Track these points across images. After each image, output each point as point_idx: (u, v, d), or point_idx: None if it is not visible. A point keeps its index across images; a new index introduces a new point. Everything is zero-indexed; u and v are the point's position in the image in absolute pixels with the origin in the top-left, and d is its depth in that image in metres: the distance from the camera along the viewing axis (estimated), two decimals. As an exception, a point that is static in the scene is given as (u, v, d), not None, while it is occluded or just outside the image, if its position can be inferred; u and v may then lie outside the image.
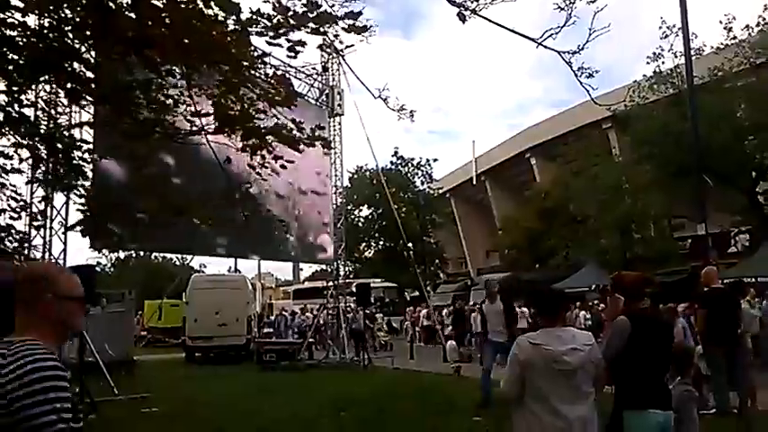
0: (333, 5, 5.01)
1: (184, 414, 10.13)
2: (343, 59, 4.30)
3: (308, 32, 4.62)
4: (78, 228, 5.95)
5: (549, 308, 3.78)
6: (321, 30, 4.52)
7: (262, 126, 5.28)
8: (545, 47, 4.27)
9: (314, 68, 16.60)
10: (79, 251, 41.72)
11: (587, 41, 4.08)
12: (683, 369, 4.56)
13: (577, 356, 3.54)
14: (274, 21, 4.51)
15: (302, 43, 4.31)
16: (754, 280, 15.66)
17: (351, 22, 4.45)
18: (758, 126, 22.28)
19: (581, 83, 4.30)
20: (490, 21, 4.56)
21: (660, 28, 23.58)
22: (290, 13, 4.38)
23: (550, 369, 3.52)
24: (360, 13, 4.44)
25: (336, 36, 4.35)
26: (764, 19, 22.86)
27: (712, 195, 18.89)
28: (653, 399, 3.88)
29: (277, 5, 4.40)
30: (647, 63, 24.92)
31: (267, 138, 5.17)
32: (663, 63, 24.52)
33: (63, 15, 5.07)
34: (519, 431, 3.65)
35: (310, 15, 4.30)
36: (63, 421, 1.78)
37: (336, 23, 4.43)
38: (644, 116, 24.67)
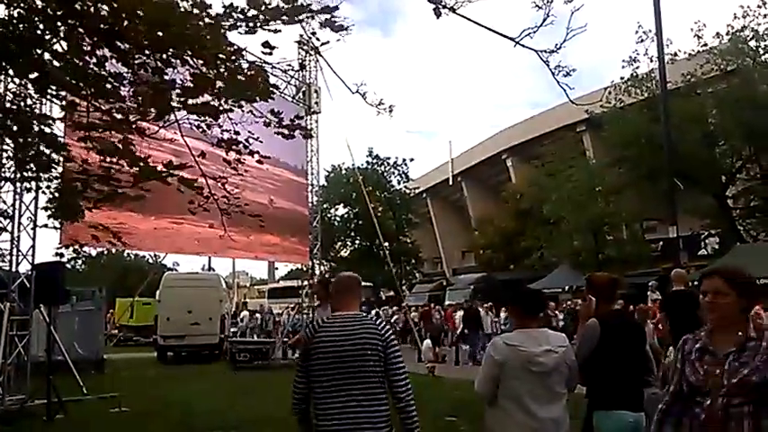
0: (310, 4, 4.96)
1: (154, 414, 9.97)
2: (320, 55, 4.24)
3: (283, 22, 4.55)
4: (48, 211, 5.80)
5: (530, 308, 3.79)
6: (296, 19, 4.46)
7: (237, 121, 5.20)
8: (522, 45, 4.27)
9: (290, 65, 16.48)
10: (48, 248, 41.05)
11: (565, 40, 4.09)
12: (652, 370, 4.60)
13: (552, 358, 3.55)
14: (248, 14, 4.43)
15: (277, 31, 4.24)
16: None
17: (327, 16, 4.39)
18: (728, 132, 22.74)
19: (558, 82, 4.30)
20: (467, 18, 4.54)
21: (636, 32, 24.00)
22: (264, 7, 4.31)
23: (525, 370, 3.53)
24: (336, 8, 4.38)
25: (314, 33, 4.30)
26: (733, 27, 23.35)
27: (683, 198, 19.21)
28: (623, 399, 3.90)
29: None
30: (623, 67, 25.34)
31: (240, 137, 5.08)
32: (638, 67, 24.96)
33: (33, 5, 4.94)
34: (492, 431, 3.66)
35: (284, 7, 4.23)
36: None
37: (312, 18, 4.37)
38: (617, 119, 25.01)
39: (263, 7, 4.27)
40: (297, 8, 4.11)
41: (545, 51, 4.33)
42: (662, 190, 21.05)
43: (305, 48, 5.42)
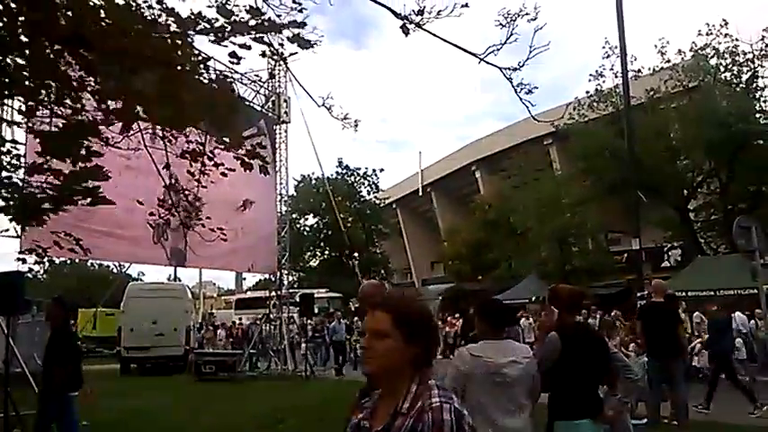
0: (279, 15, 4.95)
1: (115, 426, 9.78)
2: (287, 67, 4.24)
3: (251, 38, 4.54)
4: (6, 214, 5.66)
5: (498, 322, 3.82)
6: (263, 39, 4.45)
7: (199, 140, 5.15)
8: (487, 62, 4.33)
9: (258, 75, 16.43)
10: (8, 256, 40.04)
11: (528, 58, 4.15)
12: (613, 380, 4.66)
13: (516, 369, 3.59)
14: (216, 24, 4.40)
15: (246, 47, 4.23)
16: (685, 294, 16.27)
17: (296, 31, 4.39)
18: (689, 147, 23.29)
19: (521, 98, 4.37)
20: (434, 35, 4.59)
21: (603, 48, 24.51)
22: (233, 18, 4.30)
23: (490, 381, 3.56)
24: (304, 24, 4.38)
25: (281, 44, 4.29)
26: (696, 45, 23.99)
27: (646, 211, 19.61)
28: (583, 409, 3.96)
29: (220, 8, 4.31)
30: (589, 81, 25.83)
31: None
32: (604, 82, 25.47)
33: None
34: None
35: (252, 23, 4.23)
36: None
37: (280, 32, 4.37)
38: (583, 133, 25.45)
39: (230, 18, 4.26)
40: (264, 25, 4.11)
41: (508, 69, 4.40)
42: (626, 202, 21.49)
43: (273, 57, 5.38)
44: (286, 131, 18.88)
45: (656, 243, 27.48)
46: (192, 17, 4.22)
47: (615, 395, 4.37)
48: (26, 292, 11.28)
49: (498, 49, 4.24)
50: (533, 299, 24.66)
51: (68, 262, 44.57)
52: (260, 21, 4.05)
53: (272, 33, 4.35)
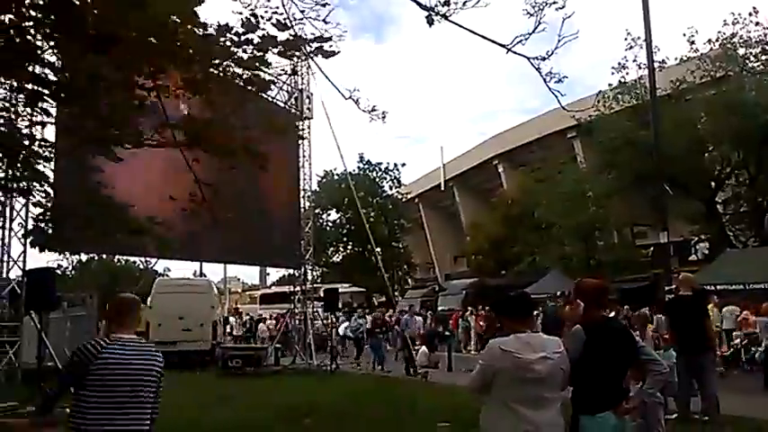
0: (303, 11, 4.98)
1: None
2: (313, 63, 4.27)
3: (274, 53, 4.58)
4: (29, 237, 5.79)
5: (515, 312, 3.80)
6: (289, 53, 4.49)
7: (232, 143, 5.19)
8: (515, 53, 4.32)
9: (283, 70, 16.46)
10: (40, 254, 40.66)
11: (556, 47, 4.14)
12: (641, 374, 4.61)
13: (547, 365, 3.57)
14: (242, 38, 4.45)
15: (269, 45, 4.27)
16: (713, 288, 16.04)
17: (321, 45, 4.42)
18: (717, 138, 22.92)
19: (550, 88, 4.35)
20: (460, 26, 4.58)
21: (625, 39, 24.20)
22: (259, 32, 4.33)
23: (519, 376, 3.54)
24: (329, 39, 4.41)
25: (306, 41, 4.32)
26: (724, 34, 23.57)
27: (672, 204, 19.35)
28: (608, 403, 3.93)
29: (246, 22, 4.34)
30: (612, 74, 25.53)
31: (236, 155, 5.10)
32: (627, 74, 25.16)
33: (23, 12, 4.93)
34: None
35: (279, 39, 4.26)
36: None
37: (305, 48, 4.40)
38: (607, 125, 25.17)
39: (255, 31, 4.29)
40: (292, 41, 4.15)
41: (536, 58, 4.38)
42: (651, 195, 21.22)
43: (289, 57, 5.43)
44: (309, 127, 18.94)
45: (683, 236, 27.10)
46: (220, 29, 4.26)
47: (649, 390, 4.31)
48: (56, 288, 11.52)
49: (526, 39, 4.22)
50: (557, 293, 24.50)
51: (96, 258, 45.31)
52: (287, 37, 4.10)
53: (298, 50, 4.39)
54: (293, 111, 18.10)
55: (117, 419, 3.39)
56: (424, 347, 16.76)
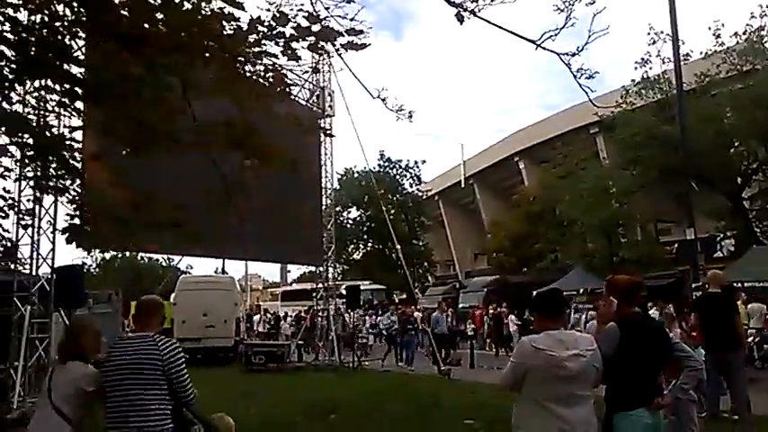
0: (328, 7, 4.98)
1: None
2: (341, 58, 4.26)
3: (304, 48, 4.58)
4: (64, 234, 5.86)
5: (549, 309, 3.78)
6: (320, 45, 4.49)
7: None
8: (544, 48, 4.28)
9: (308, 68, 16.46)
10: (66, 250, 41.42)
11: (587, 43, 4.08)
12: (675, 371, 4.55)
13: (579, 362, 3.54)
14: (275, 31, 4.45)
15: (296, 38, 4.27)
16: (741, 284, 15.78)
17: (351, 39, 4.41)
18: (743, 133, 22.55)
19: (580, 84, 4.30)
20: (489, 22, 4.54)
21: (648, 34, 23.91)
22: (292, 24, 4.33)
23: (552, 374, 3.52)
24: (361, 31, 4.40)
25: (333, 38, 4.31)
26: (752, 27, 23.17)
27: (698, 200, 19.07)
28: (642, 400, 3.88)
29: (278, 16, 4.35)
30: (635, 69, 25.24)
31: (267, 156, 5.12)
32: (651, 68, 24.87)
33: (55, 11, 4.98)
34: (520, 431, 3.65)
35: (312, 29, 4.26)
36: None
37: (336, 39, 4.39)
38: (630, 121, 24.90)
39: (286, 25, 4.29)
40: (325, 32, 4.15)
41: (566, 54, 4.33)
42: (676, 191, 20.93)
43: (319, 51, 5.44)
44: (330, 125, 18.96)
45: (708, 233, 26.72)
46: (251, 22, 4.27)
47: (683, 386, 4.25)
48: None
49: (556, 34, 4.18)
50: (580, 291, 24.30)
51: (119, 255, 45.91)
52: (319, 28, 4.09)
53: (329, 42, 4.37)
54: (315, 108, 18.13)
55: (122, 417, 3.59)
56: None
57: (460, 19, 4.33)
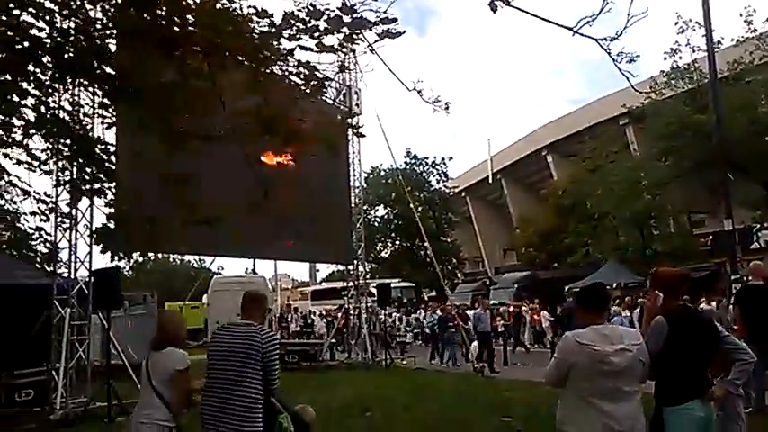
0: (354, 5, 4.95)
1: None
2: (374, 51, 4.24)
3: (340, 40, 4.57)
4: (97, 240, 5.95)
5: (591, 303, 3.71)
6: (354, 36, 4.47)
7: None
8: (581, 35, 4.18)
9: (335, 67, 16.43)
10: (101, 254, 41.93)
11: (626, 27, 3.99)
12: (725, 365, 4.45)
13: (626, 357, 3.47)
14: (308, 24, 4.44)
15: (330, 31, 4.26)
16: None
17: (386, 27, 4.38)
18: (780, 120, 22.02)
19: (620, 69, 4.21)
20: (523, 11, 4.48)
21: (676, 23, 23.48)
22: (325, 17, 4.32)
23: (597, 369, 3.45)
24: (395, 19, 4.36)
25: (359, 34, 4.29)
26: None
27: (733, 190, 18.64)
28: (693, 394, 3.80)
29: (311, 9, 4.34)
30: (665, 59, 24.81)
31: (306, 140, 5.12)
32: (681, 58, 24.43)
33: (91, 16, 5.05)
34: (565, 427, 3.59)
35: (345, 20, 4.24)
36: None
37: (371, 29, 4.37)
38: (660, 111, 24.49)
39: (320, 18, 4.28)
40: (359, 22, 4.13)
41: (605, 39, 4.25)
42: (709, 182, 20.50)
43: (354, 42, 5.45)
44: (358, 124, 18.94)
45: (744, 224, 26.13)
46: (286, 17, 4.27)
47: (735, 380, 4.15)
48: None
49: (593, 20, 4.09)
50: (614, 285, 23.98)
51: (152, 258, 46.60)
52: (352, 19, 4.07)
53: (363, 32, 4.35)
54: (342, 107, 18.14)
55: (219, 391, 4.02)
56: (476, 342, 16.60)
57: (494, 8, 4.26)
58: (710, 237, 27.37)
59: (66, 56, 5.06)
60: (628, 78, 4.22)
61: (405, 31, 4.21)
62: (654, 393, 3.93)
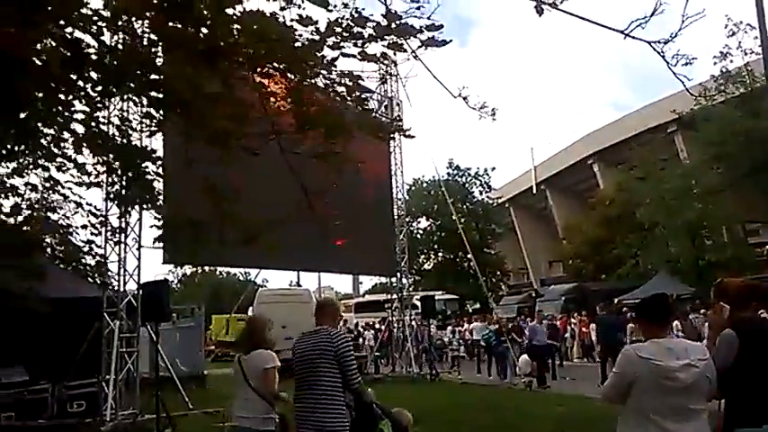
0: (401, 15, 4.87)
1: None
2: (419, 59, 4.14)
3: (384, 46, 4.50)
4: (156, 243, 5.99)
5: (654, 315, 3.50)
6: (400, 43, 4.38)
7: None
8: (633, 37, 4.02)
9: (383, 73, 16.37)
10: (151, 267, 43.05)
11: (681, 28, 3.80)
12: None
13: (692, 373, 3.24)
14: (353, 31, 4.38)
15: (375, 38, 4.19)
16: None
17: (431, 34, 4.29)
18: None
19: (675, 73, 4.01)
20: (570, 13, 4.34)
21: (726, 26, 22.85)
22: (370, 23, 4.25)
23: (660, 386, 3.24)
24: (441, 26, 4.27)
25: (416, 29, 4.19)
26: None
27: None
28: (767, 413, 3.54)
29: (356, 15, 4.28)
30: (714, 63, 24.13)
31: (351, 132, 5.05)
32: (731, 62, 23.74)
33: (135, 32, 5.10)
34: None
35: (392, 27, 4.16)
36: None
37: (417, 36, 4.28)
38: (712, 116, 23.78)
39: (365, 26, 4.22)
40: (405, 28, 4.05)
41: (658, 42, 4.06)
42: (764, 188, 19.73)
43: (386, 61, 5.38)
44: (401, 135, 18.89)
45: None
46: (330, 24, 4.22)
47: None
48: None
49: (646, 22, 3.92)
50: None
51: (199, 271, 47.46)
52: (398, 25, 3.99)
53: (409, 38, 4.27)
54: (384, 119, 18.13)
55: (305, 394, 4.44)
56: (525, 355, 16.24)
57: (540, 11, 4.14)
58: (766, 246, 26.37)
59: (112, 69, 5.13)
60: (683, 82, 4.01)
61: (451, 41, 4.11)
62: (724, 413, 3.68)
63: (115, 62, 5.04)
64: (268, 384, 4.67)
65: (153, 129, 5.88)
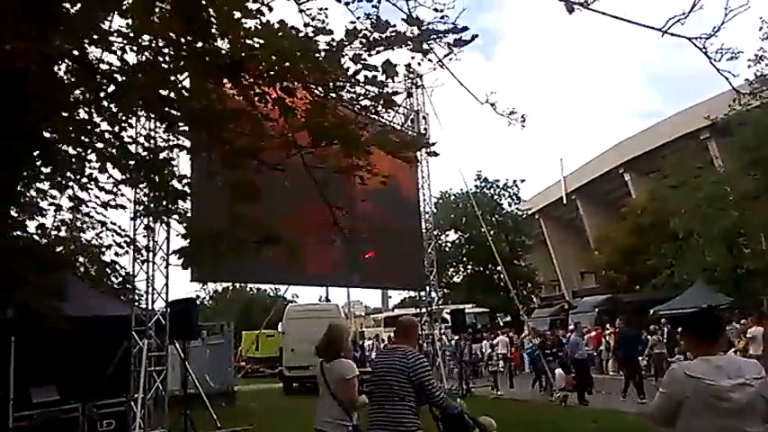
0: (417, 17, 4.76)
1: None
2: (443, 66, 4.01)
3: (409, 50, 4.37)
4: (178, 257, 5.91)
5: (702, 331, 3.27)
6: (425, 49, 4.25)
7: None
8: (671, 34, 3.83)
9: (405, 88, 16.29)
10: (179, 285, 43.38)
11: (724, 22, 3.61)
12: None
13: (746, 393, 3.01)
14: (371, 38, 4.27)
15: (402, 41, 4.07)
16: None
17: (456, 37, 4.15)
18: None
19: (719, 70, 3.81)
20: (601, 12, 4.18)
21: (761, 29, 22.28)
22: (390, 29, 4.13)
23: (711, 406, 3.02)
24: (466, 28, 4.13)
25: (439, 32, 4.06)
26: None
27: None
28: None
29: (376, 22, 4.16)
30: (749, 66, 23.52)
31: (368, 148, 4.92)
32: (766, 65, 23.12)
33: (160, 50, 5.06)
34: None
35: (413, 33, 4.04)
36: None
37: (441, 39, 4.14)
38: (747, 121, 23.18)
39: (385, 32, 4.10)
40: (428, 32, 3.92)
41: (699, 38, 3.86)
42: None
43: (411, 75, 5.27)
44: (427, 148, 18.75)
45: None
46: (349, 32, 4.11)
47: None
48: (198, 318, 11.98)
49: (685, 18, 3.72)
50: (704, 307, 22.58)
51: (230, 288, 47.66)
52: (420, 30, 3.87)
53: (432, 42, 4.14)
54: (410, 132, 18.00)
55: (379, 412, 4.57)
56: (559, 370, 15.82)
57: (570, 9, 3.98)
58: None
59: (134, 87, 5.09)
60: (728, 79, 3.80)
61: (477, 35, 3.95)
62: None
63: (133, 78, 5.02)
64: (348, 393, 4.86)
65: (174, 144, 5.80)
